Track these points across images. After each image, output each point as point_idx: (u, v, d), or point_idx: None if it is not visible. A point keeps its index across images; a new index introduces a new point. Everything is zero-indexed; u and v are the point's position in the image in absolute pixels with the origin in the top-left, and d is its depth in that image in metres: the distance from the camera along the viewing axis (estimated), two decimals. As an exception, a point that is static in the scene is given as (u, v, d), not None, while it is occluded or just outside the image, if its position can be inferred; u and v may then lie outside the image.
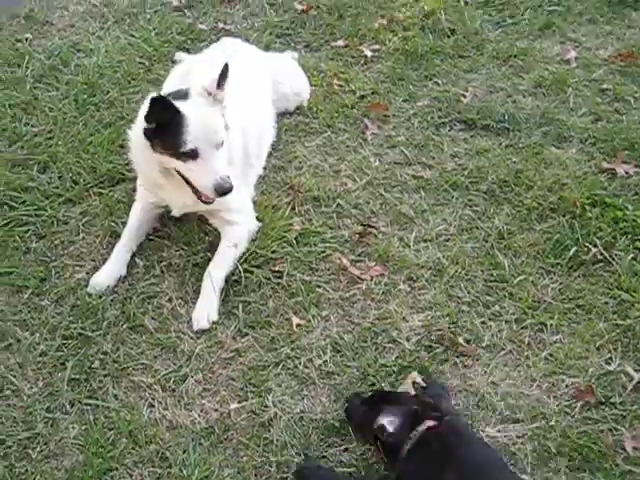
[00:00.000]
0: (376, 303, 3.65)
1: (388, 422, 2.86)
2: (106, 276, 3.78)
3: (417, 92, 4.97)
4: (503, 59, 5.29)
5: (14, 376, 3.39)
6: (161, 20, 5.73)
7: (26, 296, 3.73)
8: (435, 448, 2.79)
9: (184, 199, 3.80)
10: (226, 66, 3.63)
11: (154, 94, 3.57)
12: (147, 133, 3.61)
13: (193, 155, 3.54)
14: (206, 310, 3.64)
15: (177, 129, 3.51)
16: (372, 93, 4.96)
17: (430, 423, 2.85)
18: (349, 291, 3.70)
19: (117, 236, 3.96)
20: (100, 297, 3.68)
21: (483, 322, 3.55)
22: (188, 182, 3.65)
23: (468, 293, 3.68)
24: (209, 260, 3.81)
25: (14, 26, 5.79)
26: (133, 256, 3.89)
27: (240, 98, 3.96)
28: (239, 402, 3.27)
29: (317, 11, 5.81)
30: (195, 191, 3.66)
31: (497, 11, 5.78)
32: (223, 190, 3.54)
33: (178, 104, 3.51)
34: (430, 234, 3.97)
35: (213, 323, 3.58)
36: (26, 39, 5.62)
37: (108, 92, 5.00)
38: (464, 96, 4.92)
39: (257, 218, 3.99)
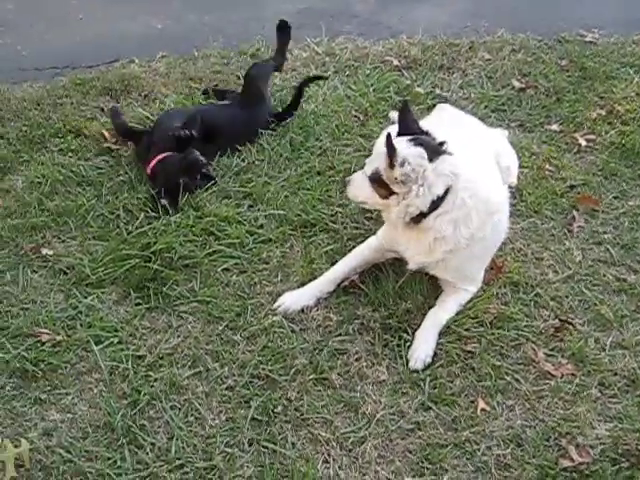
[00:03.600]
0: (564, 403, 3.54)
1: None
2: (294, 300, 3.93)
3: (630, 190, 4.80)
4: None
5: (200, 404, 3.50)
6: (380, 77, 5.81)
7: (220, 328, 3.84)
8: None
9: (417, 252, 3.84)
10: None
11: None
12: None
13: None
14: (424, 352, 3.68)
15: None
16: (583, 184, 4.81)
17: None
18: (537, 385, 3.61)
19: (314, 286, 4.04)
20: (291, 343, 3.75)
21: (674, 444, 3.40)
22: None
23: (661, 411, 3.53)
24: (402, 325, 3.83)
25: (240, 62, 6.03)
26: (327, 306, 3.95)
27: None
28: (413, 476, 3.25)
29: (535, 91, 5.74)
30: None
31: None
32: None
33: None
34: (629, 341, 3.83)
35: (399, 391, 3.57)
36: (249, 75, 5.83)
37: (321, 140, 5.10)
38: (679, 204, 4.73)
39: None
